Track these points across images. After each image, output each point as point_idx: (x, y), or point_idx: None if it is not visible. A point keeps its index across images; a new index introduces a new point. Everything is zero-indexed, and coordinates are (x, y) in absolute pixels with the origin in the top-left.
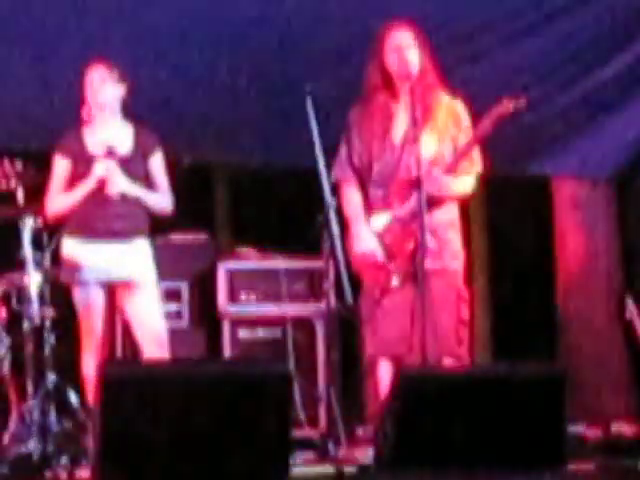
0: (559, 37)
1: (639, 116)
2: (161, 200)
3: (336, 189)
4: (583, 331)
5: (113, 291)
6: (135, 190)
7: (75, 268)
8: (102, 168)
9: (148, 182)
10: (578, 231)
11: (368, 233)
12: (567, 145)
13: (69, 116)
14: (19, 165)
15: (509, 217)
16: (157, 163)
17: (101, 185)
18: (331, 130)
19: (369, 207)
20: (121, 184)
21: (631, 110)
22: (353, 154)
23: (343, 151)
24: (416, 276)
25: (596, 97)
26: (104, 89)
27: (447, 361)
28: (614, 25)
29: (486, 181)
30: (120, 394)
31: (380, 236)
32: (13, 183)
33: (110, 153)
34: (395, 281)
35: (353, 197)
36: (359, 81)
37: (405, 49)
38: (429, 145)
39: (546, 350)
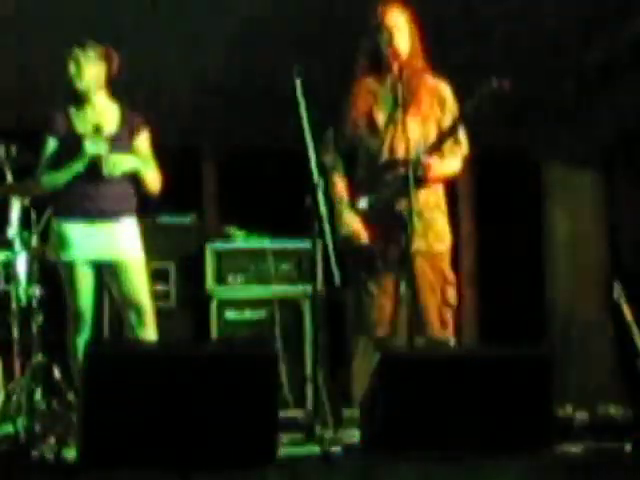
0: (546, 21)
1: (628, 101)
2: (152, 175)
3: (324, 172)
4: (571, 314)
5: (101, 271)
6: (130, 162)
7: (63, 247)
8: (92, 146)
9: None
10: (566, 214)
11: (352, 216)
12: (556, 129)
13: (54, 97)
14: (14, 150)
15: (497, 200)
16: (144, 141)
17: (91, 165)
18: (320, 111)
19: (356, 189)
20: (111, 162)
21: (620, 95)
22: (339, 136)
23: (330, 133)
24: (401, 258)
25: (585, 82)
26: (87, 69)
27: (431, 343)
28: (602, 10)
29: (474, 163)
30: (106, 374)
31: (365, 218)
32: (4, 165)
33: (99, 131)
34: (379, 264)
35: (336, 181)
36: (348, 64)
37: (397, 31)
38: (413, 127)
39: (534, 332)
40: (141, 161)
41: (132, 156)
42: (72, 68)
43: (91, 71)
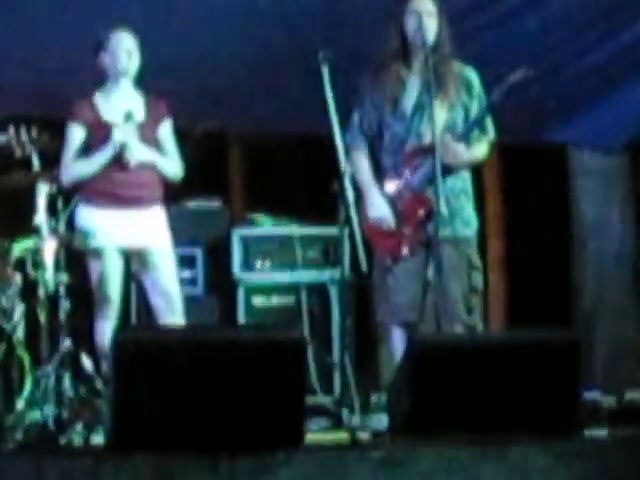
0: (573, 5)
1: None
2: (173, 166)
3: (348, 155)
4: (598, 299)
5: (129, 258)
6: (151, 155)
7: (91, 235)
8: (121, 134)
9: (158, 149)
10: (592, 198)
11: (380, 199)
12: (581, 113)
13: (85, 83)
14: (35, 132)
15: (523, 184)
16: (167, 130)
17: (119, 152)
18: (346, 96)
19: (381, 174)
20: (138, 150)
21: None
22: (364, 121)
23: (355, 117)
24: (427, 243)
25: (610, 65)
26: (134, 56)
27: (458, 329)
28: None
29: (500, 148)
30: (134, 360)
31: (392, 203)
32: (28, 149)
33: (128, 118)
34: (405, 250)
35: (363, 163)
36: (375, 48)
37: (425, 16)
38: (440, 113)
39: (561, 317)
40: (160, 154)
41: (151, 150)
42: (115, 54)
43: (135, 59)
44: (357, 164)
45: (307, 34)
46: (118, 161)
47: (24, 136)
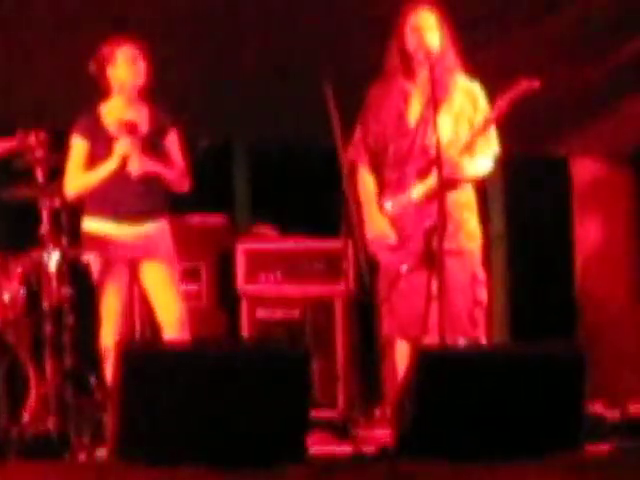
0: (578, 17)
1: None
2: (180, 177)
3: (351, 170)
4: (602, 311)
5: (135, 270)
6: (156, 167)
7: (98, 247)
8: (124, 146)
9: (165, 160)
10: (597, 211)
11: (379, 216)
12: (586, 125)
13: (87, 97)
14: (42, 136)
15: (527, 197)
16: (173, 141)
17: (122, 164)
18: (350, 109)
19: (385, 189)
20: (141, 162)
21: None
22: (368, 136)
23: (358, 132)
24: (431, 257)
25: (616, 77)
26: (137, 68)
27: (462, 342)
28: (634, 5)
29: (504, 161)
30: (139, 375)
31: (394, 218)
32: (40, 153)
33: (131, 130)
34: (404, 268)
35: (365, 180)
36: (377, 61)
37: (426, 30)
38: (445, 127)
39: (565, 331)
40: (165, 165)
41: (155, 161)
42: (119, 65)
43: (139, 71)
44: (360, 180)
45: (313, 46)
46: (121, 173)
47: (32, 140)
